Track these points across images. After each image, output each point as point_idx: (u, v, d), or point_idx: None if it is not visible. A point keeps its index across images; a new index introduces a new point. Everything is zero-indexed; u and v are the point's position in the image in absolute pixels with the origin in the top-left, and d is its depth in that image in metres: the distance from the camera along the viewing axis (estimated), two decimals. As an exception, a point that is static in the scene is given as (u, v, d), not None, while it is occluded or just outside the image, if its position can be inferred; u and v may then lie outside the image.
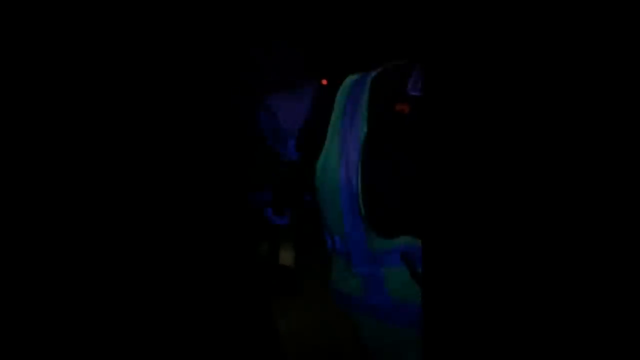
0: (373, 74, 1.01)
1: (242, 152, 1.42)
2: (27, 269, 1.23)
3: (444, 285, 0.59)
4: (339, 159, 0.98)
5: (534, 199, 0.50)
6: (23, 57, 1.19)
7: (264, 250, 3.29)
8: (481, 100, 0.53)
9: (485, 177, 0.54)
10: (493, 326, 0.55)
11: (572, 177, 0.48)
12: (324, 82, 1.08)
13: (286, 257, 3.33)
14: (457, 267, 0.57)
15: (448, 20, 0.56)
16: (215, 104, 1.40)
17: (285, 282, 3.20)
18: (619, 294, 0.47)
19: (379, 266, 1.01)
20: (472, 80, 0.54)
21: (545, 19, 0.47)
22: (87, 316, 1.30)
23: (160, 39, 1.34)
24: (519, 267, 0.52)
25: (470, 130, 0.54)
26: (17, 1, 1.16)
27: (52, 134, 1.25)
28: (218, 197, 1.56)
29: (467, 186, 0.55)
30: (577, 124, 0.46)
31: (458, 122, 0.56)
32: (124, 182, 1.36)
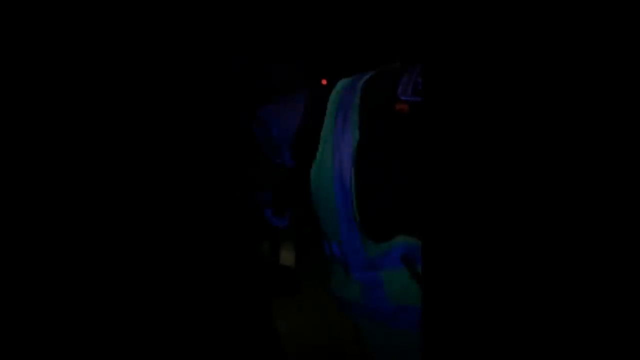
0: (363, 78, 1.00)
1: (242, 154, 1.42)
2: (26, 269, 1.23)
3: (444, 286, 0.59)
4: (333, 165, 0.97)
5: (533, 200, 0.50)
6: (22, 57, 1.19)
7: (265, 250, 3.29)
8: (481, 102, 0.53)
9: (485, 178, 0.53)
10: (493, 327, 0.55)
11: (572, 179, 0.47)
12: (324, 82, 1.08)
13: (287, 257, 3.33)
14: (457, 269, 0.57)
15: (447, 22, 0.56)
16: (215, 107, 1.41)
17: (286, 282, 3.20)
18: (619, 294, 0.47)
19: (378, 270, 1.01)
20: (472, 82, 0.54)
21: (545, 19, 0.47)
22: (86, 315, 1.30)
23: (156, 47, 1.34)
24: (519, 268, 0.52)
25: (470, 131, 0.54)
26: (17, 1, 1.17)
27: (51, 134, 1.25)
28: (218, 198, 1.57)
29: (467, 187, 0.55)
30: (577, 125, 0.46)
31: (458, 123, 0.55)
32: (128, 184, 1.36)
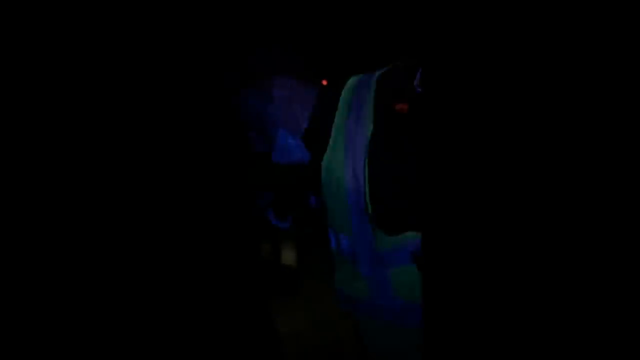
0: (378, 73, 1.01)
1: (245, 153, 1.42)
2: (27, 269, 1.23)
3: (445, 284, 0.59)
4: (345, 158, 0.98)
5: (533, 197, 0.50)
6: (22, 57, 1.19)
7: (266, 250, 3.29)
8: (481, 100, 0.53)
9: (485, 176, 0.54)
10: (493, 325, 0.55)
11: (571, 176, 0.48)
12: (324, 82, 1.08)
13: (288, 257, 3.33)
14: (458, 265, 0.57)
15: (448, 20, 0.56)
16: (217, 105, 1.41)
17: (287, 282, 3.20)
18: (618, 291, 0.47)
19: (386, 267, 1.00)
20: (472, 80, 0.54)
21: (544, 18, 0.47)
22: (87, 316, 1.30)
23: (159, 39, 1.34)
24: (519, 265, 0.52)
25: (470, 129, 0.54)
26: (17, 1, 1.17)
27: (51, 134, 1.25)
28: (220, 198, 1.57)
29: (467, 184, 0.55)
30: (576, 122, 0.46)
31: (457, 121, 0.56)
32: (129, 184, 1.36)
